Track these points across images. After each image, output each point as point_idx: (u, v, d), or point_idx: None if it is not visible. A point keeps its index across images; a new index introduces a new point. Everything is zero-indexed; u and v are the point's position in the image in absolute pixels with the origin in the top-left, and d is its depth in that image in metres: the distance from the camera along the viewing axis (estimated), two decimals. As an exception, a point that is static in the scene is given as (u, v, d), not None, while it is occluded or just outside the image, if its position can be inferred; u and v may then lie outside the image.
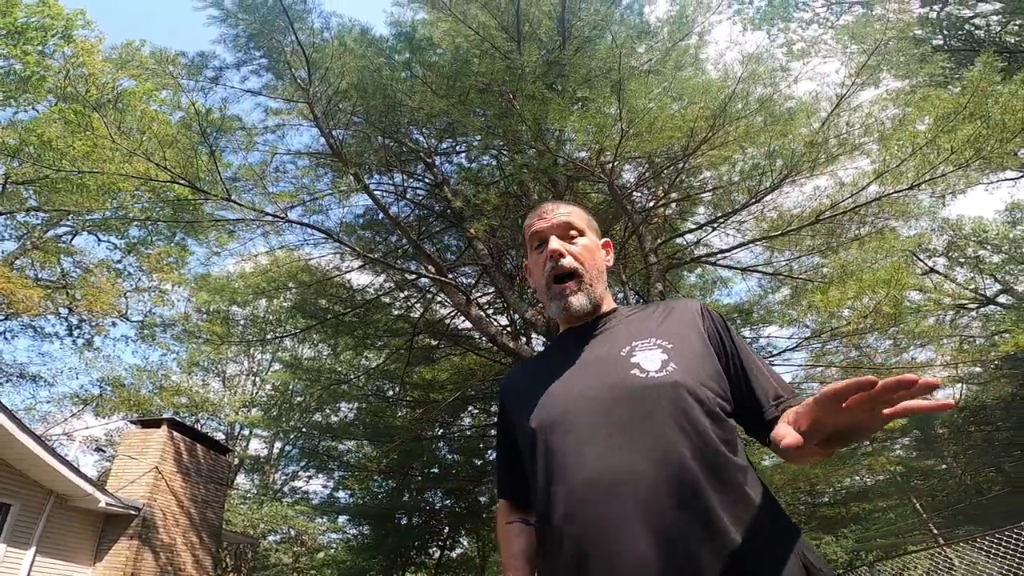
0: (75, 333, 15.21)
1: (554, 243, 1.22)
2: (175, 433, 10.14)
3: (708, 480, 0.91)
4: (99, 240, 14.59)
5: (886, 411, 0.71)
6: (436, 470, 15.84)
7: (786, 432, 0.80)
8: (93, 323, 15.00)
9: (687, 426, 0.96)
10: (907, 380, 0.67)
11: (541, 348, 9.06)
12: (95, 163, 4.78)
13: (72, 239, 14.35)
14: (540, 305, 8.21)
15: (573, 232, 1.26)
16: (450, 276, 8.06)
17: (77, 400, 17.08)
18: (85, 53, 11.51)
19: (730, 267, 8.83)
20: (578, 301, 1.20)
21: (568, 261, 1.21)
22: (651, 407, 0.98)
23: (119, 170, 4.61)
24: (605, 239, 1.35)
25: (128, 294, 15.08)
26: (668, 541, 0.87)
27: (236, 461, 21.29)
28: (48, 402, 17.32)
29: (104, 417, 17.09)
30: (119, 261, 15.13)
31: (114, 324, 15.79)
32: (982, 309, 15.60)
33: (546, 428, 1.07)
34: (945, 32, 11.06)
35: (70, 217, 12.15)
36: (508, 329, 9.86)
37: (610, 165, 6.44)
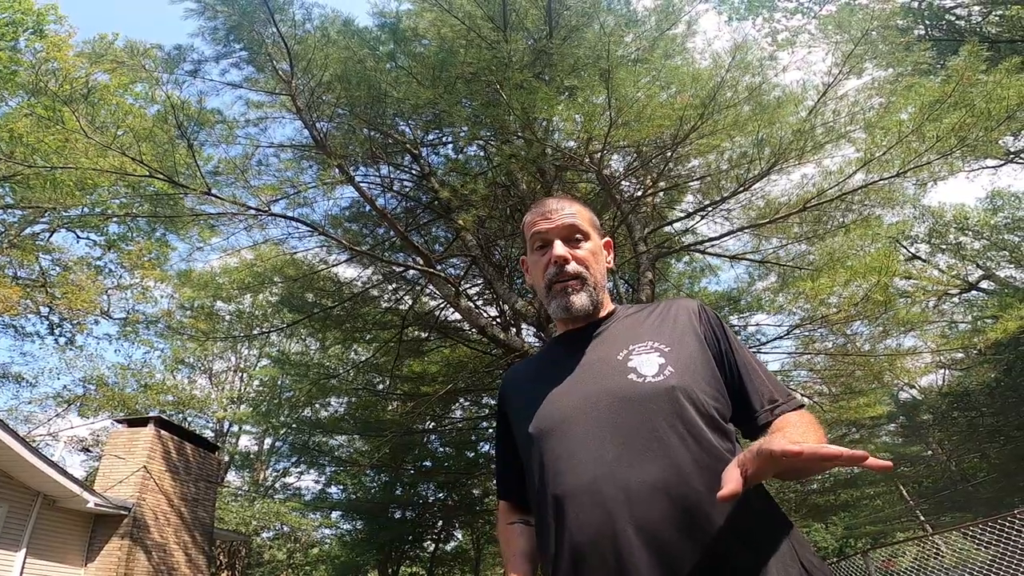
0: (56, 332, 14.99)
1: (559, 248, 1.19)
2: (162, 432, 10.04)
3: (704, 487, 0.90)
4: (78, 237, 14.35)
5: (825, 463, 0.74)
6: (428, 463, 15.86)
7: (728, 479, 0.78)
8: (74, 321, 14.78)
9: (684, 431, 0.95)
10: (830, 454, 0.70)
11: (532, 339, 9.07)
12: (68, 158, 4.65)
13: (50, 236, 14.11)
14: (530, 295, 8.19)
15: (578, 236, 1.23)
16: (439, 267, 8.00)
17: (60, 400, 16.85)
18: (55, 48, 11.28)
19: (718, 255, 8.85)
20: (580, 300, 1.18)
21: (572, 267, 1.19)
22: (648, 412, 0.98)
23: (93, 165, 4.49)
24: (606, 239, 1.32)
25: (109, 291, 14.86)
26: (661, 549, 0.86)
27: (226, 458, 21.17)
28: (30, 402, 17.06)
29: (89, 417, 16.88)
30: (99, 258, 14.91)
31: (96, 322, 15.57)
32: (964, 295, 15.82)
33: (543, 434, 1.06)
34: (927, 22, 11.15)
35: (47, 214, 11.94)
36: (498, 320, 9.85)
37: (599, 154, 6.42)
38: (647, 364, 1.04)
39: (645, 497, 0.89)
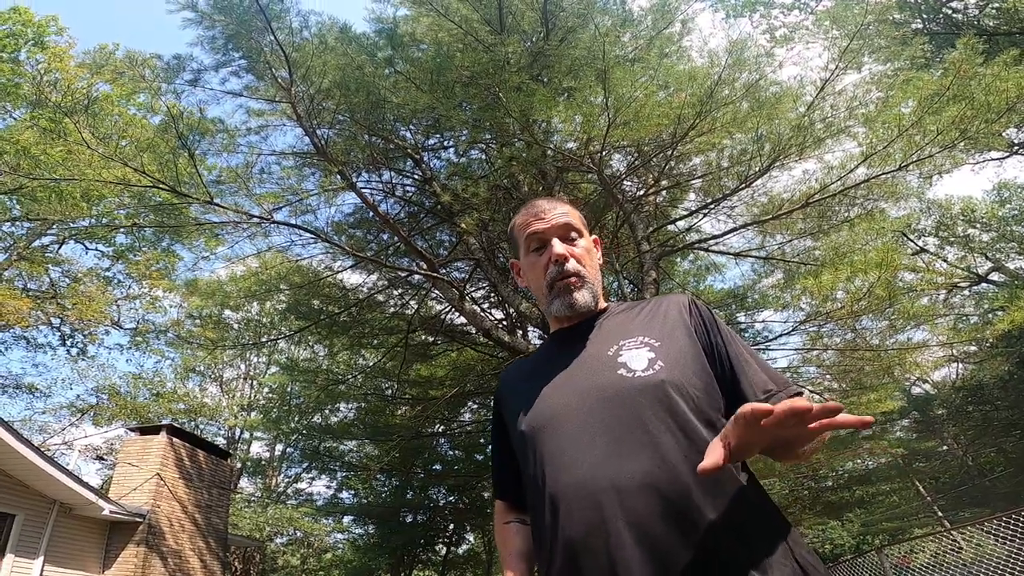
0: (68, 343, 15.19)
1: (558, 247, 1.20)
2: (175, 439, 10.15)
3: (695, 481, 0.89)
4: (86, 248, 14.55)
5: (811, 426, 0.73)
6: (438, 467, 15.87)
7: (710, 452, 0.77)
8: (85, 332, 14.97)
9: (674, 426, 0.95)
10: (802, 408, 0.70)
11: (537, 341, 9.06)
12: (72, 170, 4.72)
13: (59, 248, 14.29)
14: (534, 298, 8.17)
15: (573, 234, 1.23)
16: (443, 272, 8.03)
17: (74, 410, 17.07)
18: (56, 59, 11.40)
19: (723, 252, 8.82)
20: (583, 297, 1.19)
21: (572, 265, 1.20)
22: (638, 407, 0.98)
23: (97, 176, 4.55)
24: (594, 237, 1.33)
25: (119, 302, 15.05)
26: (653, 545, 0.86)
27: (238, 465, 21.32)
28: (44, 412, 17.30)
29: (102, 426, 17.09)
30: (107, 269, 15.09)
31: (107, 332, 15.78)
32: (975, 288, 15.63)
33: (536, 431, 1.07)
34: (924, 16, 11.06)
35: (54, 226, 12.10)
36: (503, 323, 9.85)
37: (599, 155, 6.41)
38: (637, 359, 1.04)
39: (635, 493, 0.89)
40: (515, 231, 1.30)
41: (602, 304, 1.27)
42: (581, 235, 1.25)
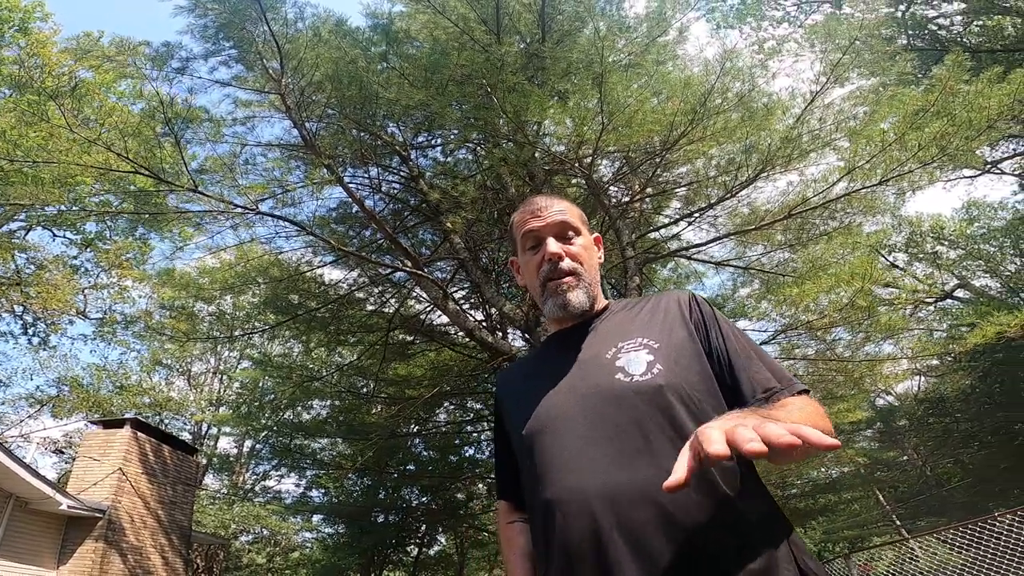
0: (30, 332, 14.63)
1: (552, 245, 1.17)
2: (139, 433, 9.87)
3: (694, 489, 0.87)
4: (54, 235, 14.06)
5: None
6: (412, 467, 15.72)
7: (677, 463, 0.72)
8: (48, 321, 14.45)
9: (672, 432, 0.93)
10: (755, 452, 0.65)
11: (519, 343, 9.05)
12: (51, 154, 4.53)
13: (26, 234, 13.79)
14: (518, 299, 8.18)
15: (570, 232, 1.21)
16: (426, 270, 7.95)
17: (33, 401, 16.46)
18: (39, 45, 11.11)
19: (704, 261, 8.94)
20: (577, 298, 1.16)
21: (567, 264, 1.17)
22: (636, 413, 0.96)
23: (77, 160, 4.38)
24: (596, 235, 1.30)
25: (86, 291, 14.56)
26: (649, 555, 0.84)
27: (204, 461, 20.80)
28: (2, 403, 16.64)
29: (62, 418, 16.50)
30: (75, 257, 14.61)
31: (71, 322, 15.26)
32: (940, 303, 16.13)
33: (534, 435, 1.05)
34: (910, 32, 11.38)
35: (23, 212, 11.68)
36: (485, 323, 9.81)
37: (588, 159, 6.44)
38: (635, 363, 1.02)
39: (632, 501, 0.87)
40: (513, 228, 1.28)
41: (602, 303, 1.24)
42: (579, 233, 1.22)
